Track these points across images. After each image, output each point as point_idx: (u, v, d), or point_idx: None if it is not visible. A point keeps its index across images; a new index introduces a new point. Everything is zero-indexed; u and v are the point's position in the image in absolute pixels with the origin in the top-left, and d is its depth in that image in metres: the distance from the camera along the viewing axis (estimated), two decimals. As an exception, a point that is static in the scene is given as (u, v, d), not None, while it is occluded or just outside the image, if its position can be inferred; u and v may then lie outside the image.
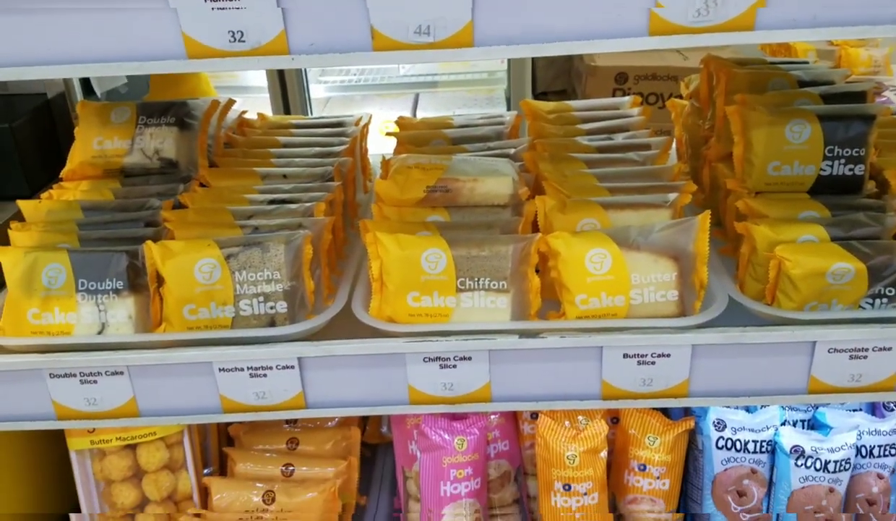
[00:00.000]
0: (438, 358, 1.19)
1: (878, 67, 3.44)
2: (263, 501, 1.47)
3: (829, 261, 1.10)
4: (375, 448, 1.80)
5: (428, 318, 1.19)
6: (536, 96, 3.57)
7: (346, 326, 1.22)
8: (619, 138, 1.52)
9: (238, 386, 1.19)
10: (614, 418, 1.47)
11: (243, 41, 0.92)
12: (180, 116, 1.43)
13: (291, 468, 1.55)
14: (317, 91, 3.98)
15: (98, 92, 2.34)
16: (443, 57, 0.91)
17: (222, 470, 1.60)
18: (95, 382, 1.17)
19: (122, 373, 1.17)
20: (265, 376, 1.19)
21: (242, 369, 1.18)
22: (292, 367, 1.19)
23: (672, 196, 1.25)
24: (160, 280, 1.17)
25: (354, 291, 1.28)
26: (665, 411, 1.49)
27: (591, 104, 1.69)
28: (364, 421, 1.79)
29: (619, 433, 1.44)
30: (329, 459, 1.57)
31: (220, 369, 1.18)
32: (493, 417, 1.48)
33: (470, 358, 1.19)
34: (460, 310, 1.18)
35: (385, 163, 1.38)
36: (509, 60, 3.33)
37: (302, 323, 1.19)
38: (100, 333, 1.17)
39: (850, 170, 1.25)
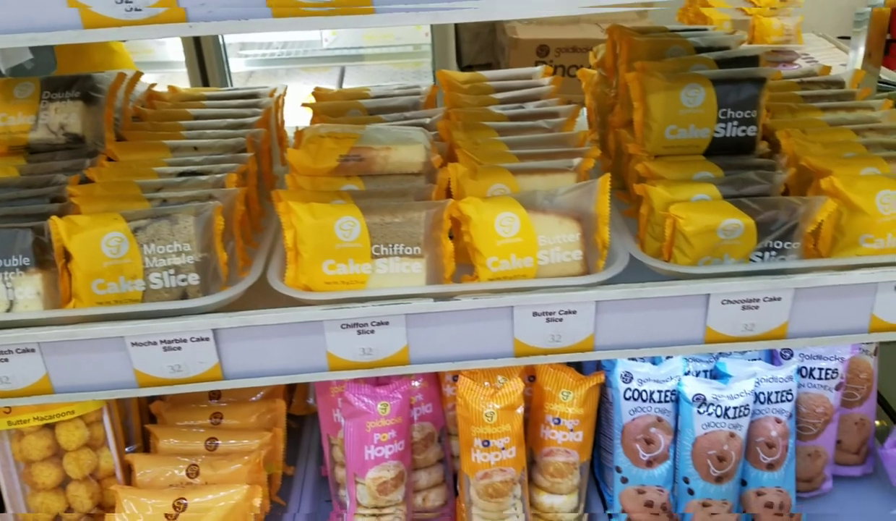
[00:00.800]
0: (356, 324, 1.21)
1: (790, 36, 3.59)
2: (187, 474, 1.47)
3: (719, 217, 1.17)
4: (303, 420, 1.82)
5: (344, 285, 1.21)
6: (462, 70, 3.60)
7: (262, 296, 1.23)
8: (531, 107, 1.56)
9: (152, 360, 1.19)
10: (531, 377, 1.53)
11: (139, 10, 0.91)
12: (85, 89, 1.40)
13: (216, 441, 1.55)
14: (237, 65, 3.90)
15: (2, 68, 2.25)
16: (342, 23, 0.92)
17: (146, 448, 1.59)
18: (6, 360, 1.15)
19: (33, 350, 1.15)
20: (179, 348, 1.19)
21: (156, 343, 1.18)
22: (207, 339, 1.19)
23: (576, 161, 1.30)
24: (67, 256, 1.16)
25: (270, 261, 1.29)
26: (578, 368, 1.56)
27: (504, 74, 1.73)
28: (290, 393, 1.80)
29: (536, 390, 1.50)
30: (254, 431, 1.58)
31: (132, 344, 1.17)
32: (416, 382, 1.52)
33: (387, 323, 1.22)
34: (376, 276, 1.21)
35: (298, 133, 1.39)
36: (433, 33, 3.35)
37: (215, 295, 1.19)
38: (8, 311, 1.14)
39: (743, 131, 1.32)
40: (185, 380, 1.22)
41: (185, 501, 1.41)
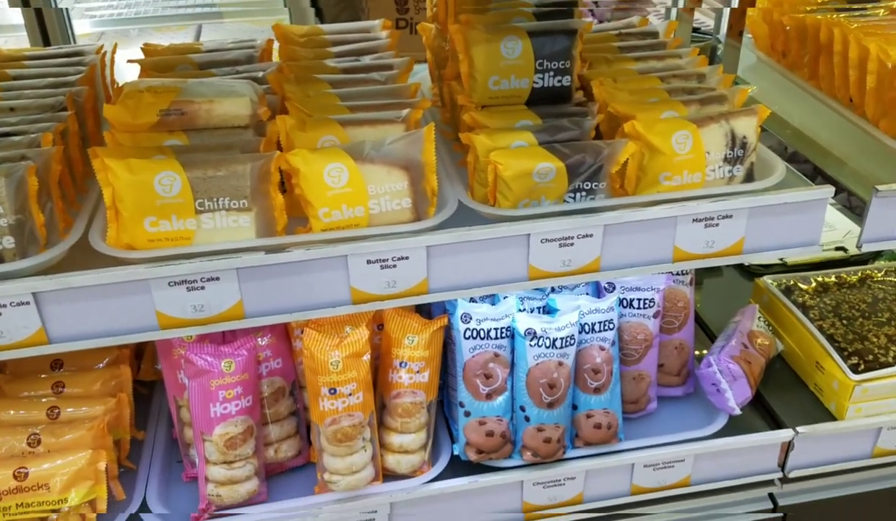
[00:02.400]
0: (184, 281, 1.21)
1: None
2: (28, 444, 1.43)
3: (533, 162, 1.24)
4: (153, 385, 1.79)
5: (169, 242, 1.20)
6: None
7: (85, 258, 1.20)
8: (366, 60, 1.58)
9: (-32, 328, 1.15)
10: (380, 325, 1.57)
11: None
12: None
13: (57, 410, 1.51)
14: (82, 26, 3.66)
15: None
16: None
17: (-18, 422, 1.53)
18: None
19: None
20: (0, 314, 1.15)
21: (-29, 310, 1.13)
22: (28, 303, 1.16)
23: (405, 112, 1.34)
24: None
25: (93, 222, 1.26)
26: (427, 313, 1.62)
27: (342, 28, 1.73)
28: (138, 360, 1.77)
29: (384, 338, 1.55)
30: (98, 398, 1.55)
31: (-55, 311, 1.12)
32: (263, 338, 1.53)
33: (218, 278, 1.22)
34: (202, 231, 1.21)
35: (117, 89, 1.34)
36: (289, -12, 3.27)
37: (32, 258, 1.15)
38: None
39: (559, 81, 1.40)
40: (7, 346, 1.18)
41: (25, 470, 1.37)
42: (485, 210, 1.30)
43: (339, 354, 1.44)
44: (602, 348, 1.53)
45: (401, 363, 1.52)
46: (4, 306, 1.15)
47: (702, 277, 2.13)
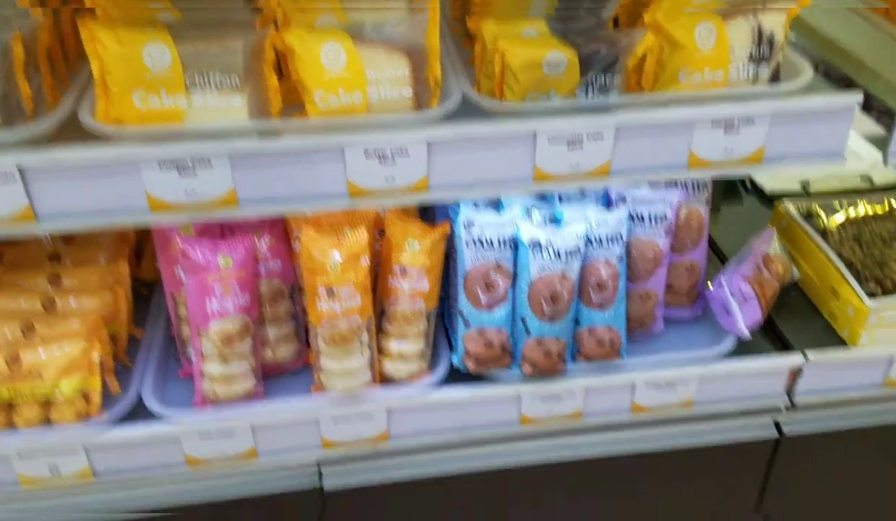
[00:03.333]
0: (175, 164, 1.17)
1: None
2: (22, 333, 1.42)
3: (543, 51, 1.17)
4: (153, 286, 1.77)
5: (159, 119, 1.16)
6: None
7: (75, 134, 1.16)
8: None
9: (-48, 200, 1.12)
10: (381, 231, 1.53)
11: None
12: None
13: (53, 302, 1.50)
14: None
15: None
16: None
17: (-21, 311, 1.52)
18: None
19: None
20: (-17, 188, 1.12)
21: (-45, 182, 1.10)
22: (14, 178, 1.12)
23: (410, -6, 1.26)
24: None
25: (84, 98, 1.21)
26: (430, 220, 1.58)
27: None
28: (138, 259, 1.75)
29: (385, 243, 1.51)
30: (94, 292, 1.53)
31: (-73, 182, 1.09)
32: (262, 239, 1.50)
33: (209, 162, 1.18)
34: (193, 110, 1.16)
35: (110, -40, 1.28)
36: None
37: (18, 129, 1.12)
38: None
39: (578, -31, 1.31)
40: (-7, 223, 1.15)
41: (18, 357, 1.36)
42: (490, 104, 1.24)
43: (337, 254, 1.40)
44: (608, 263, 1.47)
45: (401, 270, 1.47)
46: (-11, 179, 1.12)
47: (719, 203, 2.05)
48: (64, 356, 1.38)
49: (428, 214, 1.71)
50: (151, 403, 1.45)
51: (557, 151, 1.24)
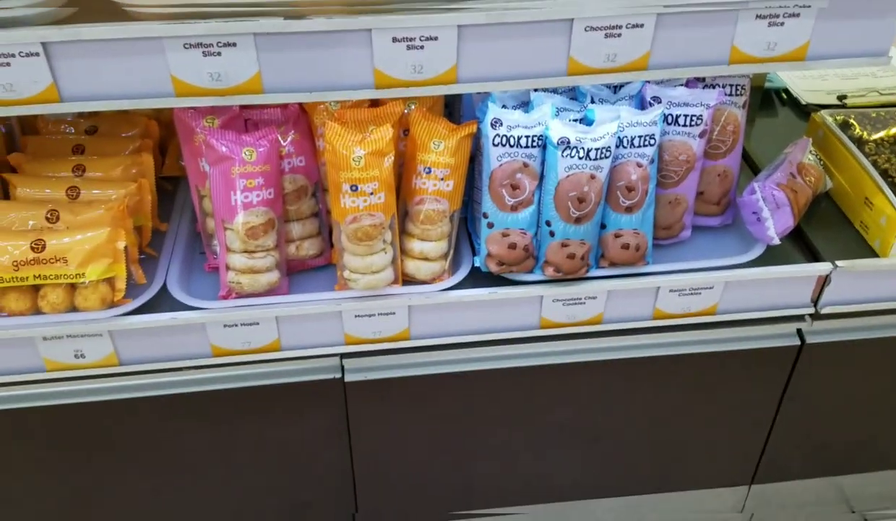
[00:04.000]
0: (200, 44, 1.14)
1: None
2: (47, 219, 1.43)
3: (584, -69, 1.11)
4: (178, 181, 1.77)
5: (184, -3, 1.12)
6: None
7: (101, 11, 1.13)
8: None
9: (-23, 75, 1.10)
10: (406, 130, 1.50)
11: None
12: None
13: (77, 191, 1.50)
14: None
15: None
16: None
17: (5, 199, 1.52)
18: None
19: None
20: (9, 64, 1.11)
21: (-21, 56, 1.08)
22: (38, 54, 1.10)
23: None
24: None
25: (106, -25, 1.18)
26: (454, 120, 1.54)
27: None
28: (162, 155, 1.74)
29: (409, 143, 1.48)
30: (119, 182, 1.54)
31: (-50, 55, 1.08)
32: (287, 136, 1.48)
33: (235, 44, 1.15)
34: (219, -12, 1.12)
35: None
36: None
37: (41, 7, 1.09)
38: None
39: None
40: (19, 101, 1.14)
41: (43, 242, 1.37)
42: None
43: (361, 150, 1.38)
44: (639, 165, 1.44)
45: (425, 169, 1.45)
46: (13, 55, 1.10)
47: (754, 114, 2.00)
48: (88, 241, 1.39)
49: (453, 115, 1.68)
50: (178, 293, 1.47)
51: (594, 41, 1.20)
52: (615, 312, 1.56)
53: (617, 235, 1.49)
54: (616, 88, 1.52)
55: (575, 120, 1.45)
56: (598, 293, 1.52)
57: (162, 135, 1.72)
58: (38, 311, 1.42)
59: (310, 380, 1.58)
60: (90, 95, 1.16)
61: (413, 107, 1.48)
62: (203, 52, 1.14)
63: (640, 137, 1.43)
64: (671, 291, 1.55)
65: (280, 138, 1.46)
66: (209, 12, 1.11)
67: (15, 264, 1.36)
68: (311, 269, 1.60)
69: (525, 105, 1.49)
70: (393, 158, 1.41)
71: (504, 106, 1.45)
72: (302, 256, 1.56)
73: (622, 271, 1.53)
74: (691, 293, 1.55)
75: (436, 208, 1.47)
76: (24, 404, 1.49)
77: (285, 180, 1.50)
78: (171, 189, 1.75)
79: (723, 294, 1.55)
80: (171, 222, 1.66)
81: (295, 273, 1.57)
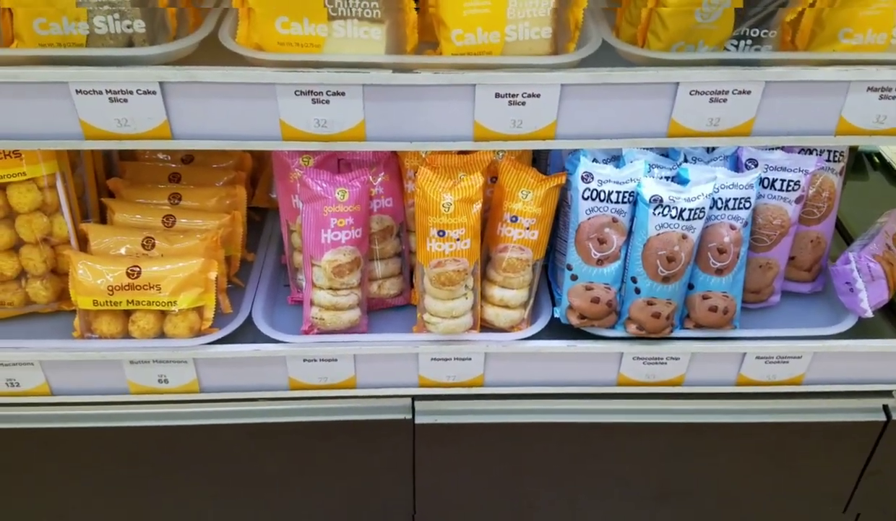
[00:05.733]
0: (311, 92, 1.17)
1: None
2: (143, 246, 1.47)
3: (698, -3, 1.11)
4: (265, 212, 1.81)
5: (299, 47, 1.16)
6: None
7: (213, 55, 1.17)
8: None
9: (98, 111, 1.15)
10: (494, 178, 1.51)
11: None
12: None
13: (173, 219, 1.55)
14: None
15: None
16: None
17: (103, 223, 1.58)
18: (-58, 99, 1.10)
19: (-31, 90, 1.10)
20: (126, 101, 1.15)
21: (101, 93, 1.13)
22: (154, 92, 1.15)
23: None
24: (5, -10, 1.08)
25: (224, 20, 1.22)
26: (541, 169, 1.54)
27: None
28: (253, 186, 1.79)
29: (497, 190, 1.49)
30: (213, 213, 1.58)
31: (77, 91, 1.13)
32: (378, 177, 1.50)
33: (343, 94, 1.18)
34: (333, 40, 1.15)
35: None
36: None
37: (162, 46, 1.13)
38: (-61, 44, 1.09)
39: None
40: (132, 136, 1.19)
41: (138, 268, 1.41)
42: (632, 51, 1.19)
43: (451, 196, 1.39)
44: (732, 228, 1.42)
45: (511, 217, 1.46)
46: (131, 92, 1.15)
47: (846, 177, 1.94)
48: (182, 270, 1.43)
49: (539, 163, 1.68)
50: (262, 325, 1.50)
51: (698, 105, 1.19)
52: (697, 374, 1.53)
53: (705, 297, 1.46)
54: (711, 147, 1.50)
55: (667, 178, 1.44)
56: (681, 354, 1.49)
57: (253, 166, 1.77)
58: (127, 335, 1.46)
59: (381, 419, 1.58)
60: (199, 134, 1.20)
61: (502, 154, 1.49)
62: (312, 100, 1.17)
63: (735, 199, 1.41)
64: (758, 357, 1.51)
65: (371, 179, 1.49)
66: (322, 62, 1.14)
67: (110, 288, 1.41)
68: (390, 308, 1.61)
69: (616, 159, 1.48)
70: (481, 205, 1.42)
71: (595, 159, 1.45)
72: (383, 295, 1.58)
73: (707, 333, 1.49)
74: (778, 361, 1.50)
75: (519, 257, 1.47)
76: (107, 424, 1.53)
77: (372, 220, 1.52)
78: (258, 220, 1.79)
79: (811, 365, 1.50)
80: (257, 253, 1.69)
81: (374, 311, 1.59)
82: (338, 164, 1.52)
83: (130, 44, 1.12)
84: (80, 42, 1.11)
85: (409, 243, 1.60)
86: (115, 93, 1.13)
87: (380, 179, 1.51)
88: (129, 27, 1.11)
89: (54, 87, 1.12)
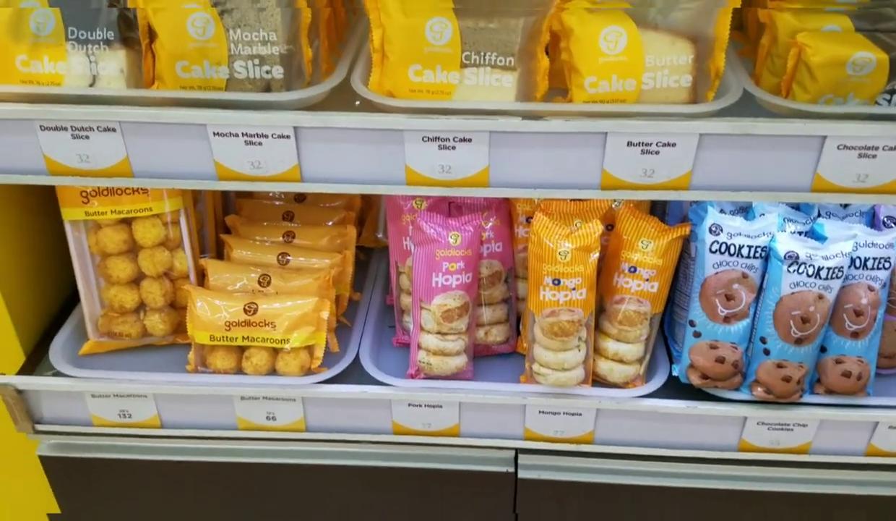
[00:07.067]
0: (437, 138, 1.16)
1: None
2: (259, 283, 1.49)
3: (851, 49, 1.05)
4: (370, 252, 1.82)
5: (429, 94, 1.15)
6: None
7: (344, 101, 1.18)
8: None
9: (233, 153, 1.17)
10: (609, 226, 1.47)
11: None
12: None
13: (287, 257, 1.56)
14: None
15: None
16: None
17: (219, 258, 1.61)
18: (87, 137, 1.14)
19: (114, 130, 1.14)
20: (261, 144, 1.17)
21: (237, 135, 1.15)
22: (288, 137, 1.16)
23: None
24: (152, 36, 1.12)
25: (355, 67, 1.23)
26: (660, 219, 1.49)
27: None
28: (360, 225, 1.80)
29: (613, 238, 1.44)
30: (324, 252, 1.59)
31: (214, 134, 1.15)
32: (489, 222, 1.48)
33: (470, 140, 1.16)
34: (464, 87, 1.14)
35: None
36: None
37: (298, 91, 1.15)
38: (91, 86, 1.13)
39: (887, -37, 1.17)
40: (264, 178, 1.20)
41: (255, 305, 1.43)
42: (776, 102, 1.13)
43: (568, 245, 1.35)
44: (871, 289, 1.33)
45: (630, 268, 1.41)
46: (266, 136, 1.16)
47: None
48: (297, 308, 1.44)
49: (654, 211, 1.62)
50: (369, 366, 1.48)
51: (845, 160, 1.12)
52: (825, 443, 1.43)
53: (838, 362, 1.37)
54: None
55: (801, 233, 1.36)
56: (809, 421, 1.40)
57: (362, 206, 1.78)
58: (239, 370, 1.47)
59: (483, 470, 1.54)
60: (327, 178, 1.21)
61: (619, 202, 1.44)
62: (439, 146, 1.16)
63: (874, 258, 1.32)
64: (891, 427, 1.40)
65: (482, 223, 1.47)
66: (453, 110, 1.13)
67: (227, 324, 1.42)
68: (495, 355, 1.58)
69: (745, 211, 1.41)
70: (598, 254, 1.38)
71: (722, 210, 1.39)
72: (489, 342, 1.55)
73: (838, 399, 1.40)
74: (917, 433, 1.39)
75: (637, 309, 1.41)
76: (214, 459, 1.55)
77: (482, 265, 1.50)
78: (364, 259, 1.79)
79: (955, 439, 1.38)
80: (364, 293, 1.69)
81: (479, 358, 1.56)
82: (449, 207, 1.51)
83: (268, 89, 1.14)
84: (220, 86, 1.14)
85: (517, 289, 1.57)
86: (251, 136, 1.15)
87: (491, 224, 1.49)
88: (268, 72, 1.13)
89: (192, 128, 1.15)
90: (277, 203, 1.71)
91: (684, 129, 1.12)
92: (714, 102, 1.13)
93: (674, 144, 1.14)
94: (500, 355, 1.58)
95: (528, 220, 1.48)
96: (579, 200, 1.44)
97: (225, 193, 1.74)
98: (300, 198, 1.72)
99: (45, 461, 1.58)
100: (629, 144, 1.15)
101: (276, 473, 1.56)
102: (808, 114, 1.10)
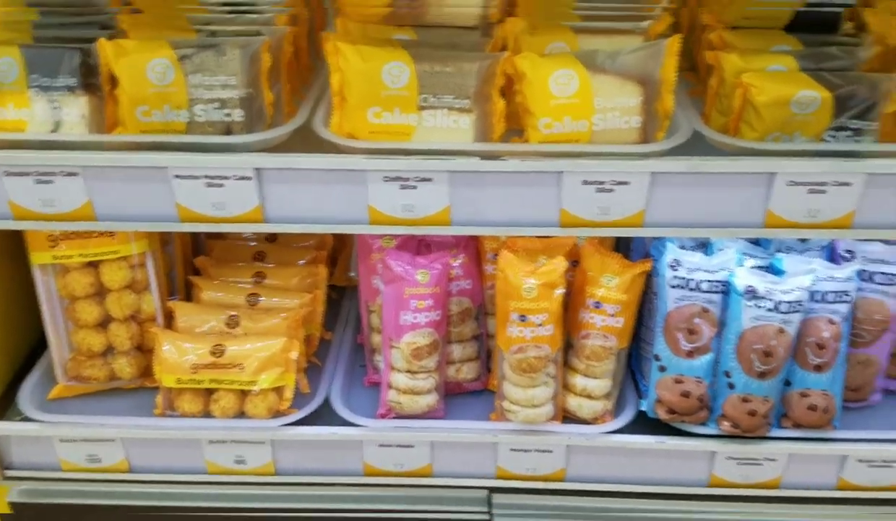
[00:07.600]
0: (399, 178, 1.18)
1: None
2: (227, 325, 1.49)
3: (794, 88, 1.08)
4: (343, 291, 1.82)
5: (389, 136, 1.18)
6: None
7: (306, 142, 1.21)
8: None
9: (195, 195, 1.19)
10: (574, 262, 1.48)
11: None
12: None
13: (257, 297, 1.57)
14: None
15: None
16: None
17: (188, 300, 1.61)
18: (51, 182, 1.16)
19: (76, 174, 1.16)
20: (222, 185, 1.18)
21: (199, 177, 1.17)
22: (250, 178, 1.18)
23: (646, 23, 1.22)
24: (114, 82, 1.15)
25: (316, 110, 1.26)
26: (625, 255, 1.51)
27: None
28: (332, 265, 1.81)
29: (579, 274, 1.46)
30: (295, 292, 1.59)
31: (175, 176, 1.17)
32: (457, 259, 1.50)
33: (430, 180, 1.19)
34: (422, 129, 1.17)
35: (351, -23, 1.33)
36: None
37: (259, 133, 1.17)
38: (53, 131, 1.15)
39: (829, 7, 1.21)
40: (226, 219, 1.22)
41: (222, 347, 1.43)
42: (724, 140, 1.16)
43: (533, 281, 1.37)
44: (832, 322, 1.34)
45: (595, 303, 1.42)
46: (228, 178, 1.18)
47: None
48: (265, 349, 1.43)
49: (619, 247, 1.64)
50: (339, 407, 1.48)
51: (795, 196, 1.14)
52: (795, 477, 1.43)
53: (803, 395, 1.37)
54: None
55: (760, 267, 1.38)
56: (778, 455, 1.40)
57: (334, 245, 1.79)
58: (207, 413, 1.46)
59: (457, 511, 1.53)
60: (290, 218, 1.22)
61: (583, 239, 1.46)
62: (401, 185, 1.18)
63: (834, 292, 1.34)
64: (860, 460, 1.40)
65: (451, 261, 1.48)
66: (413, 150, 1.15)
67: (194, 366, 1.42)
68: (466, 392, 1.58)
69: (704, 247, 1.43)
70: (563, 290, 1.39)
71: (682, 246, 1.41)
72: (460, 379, 1.55)
73: (806, 433, 1.40)
74: (883, 466, 1.39)
75: (603, 344, 1.42)
76: (183, 503, 1.53)
77: (451, 302, 1.51)
78: (336, 298, 1.80)
79: (921, 471, 1.39)
80: (335, 332, 1.69)
81: (451, 395, 1.55)
82: (418, 245, 1.52)
83: (228, 131, 1.16)
84: (181, 129, 1.16)
85: (487, 327, 1.58)
86: (213, 178, 1.17)
87: (459, 261, 1.50)
88: (228, 115, 1.15)
89: (153, 171, 1.17)
90: (251, 244, 1.71)
91: (636, 167, 1.15)
92: (664, 142, 1.16)
93: (627, 183, 1.17)
94: (471, 393, 1.58)
95: (496, 257, 1.50)
96: (544, 237, 1.46)
97: (195, 235, 1.75)
98: (272, 238, 1.74)
99: (16, 508, 1.56)
100: (584, 182, 1.18)
101: (247, 518, 1.55)
102: (755, 151, 1.13)
